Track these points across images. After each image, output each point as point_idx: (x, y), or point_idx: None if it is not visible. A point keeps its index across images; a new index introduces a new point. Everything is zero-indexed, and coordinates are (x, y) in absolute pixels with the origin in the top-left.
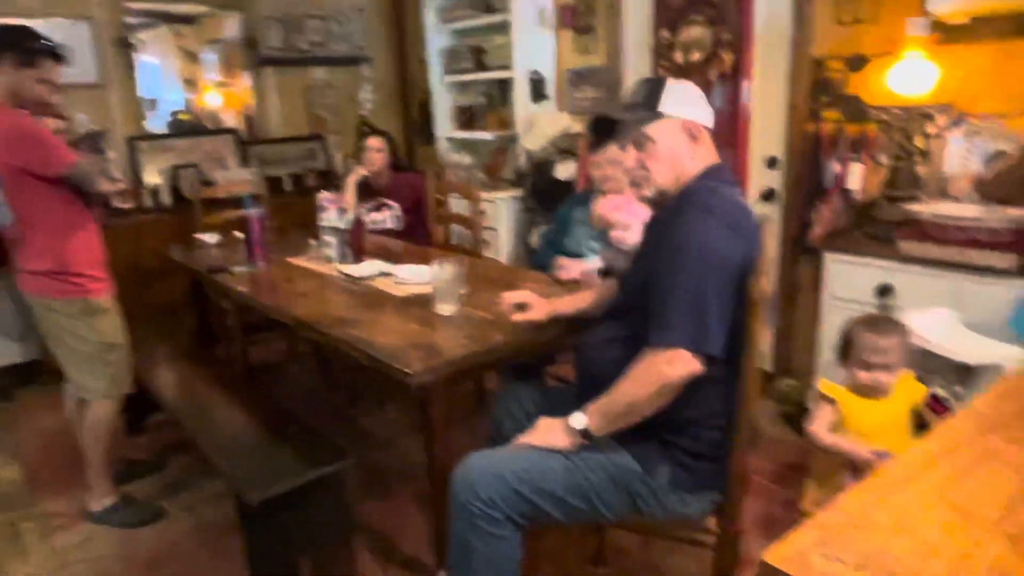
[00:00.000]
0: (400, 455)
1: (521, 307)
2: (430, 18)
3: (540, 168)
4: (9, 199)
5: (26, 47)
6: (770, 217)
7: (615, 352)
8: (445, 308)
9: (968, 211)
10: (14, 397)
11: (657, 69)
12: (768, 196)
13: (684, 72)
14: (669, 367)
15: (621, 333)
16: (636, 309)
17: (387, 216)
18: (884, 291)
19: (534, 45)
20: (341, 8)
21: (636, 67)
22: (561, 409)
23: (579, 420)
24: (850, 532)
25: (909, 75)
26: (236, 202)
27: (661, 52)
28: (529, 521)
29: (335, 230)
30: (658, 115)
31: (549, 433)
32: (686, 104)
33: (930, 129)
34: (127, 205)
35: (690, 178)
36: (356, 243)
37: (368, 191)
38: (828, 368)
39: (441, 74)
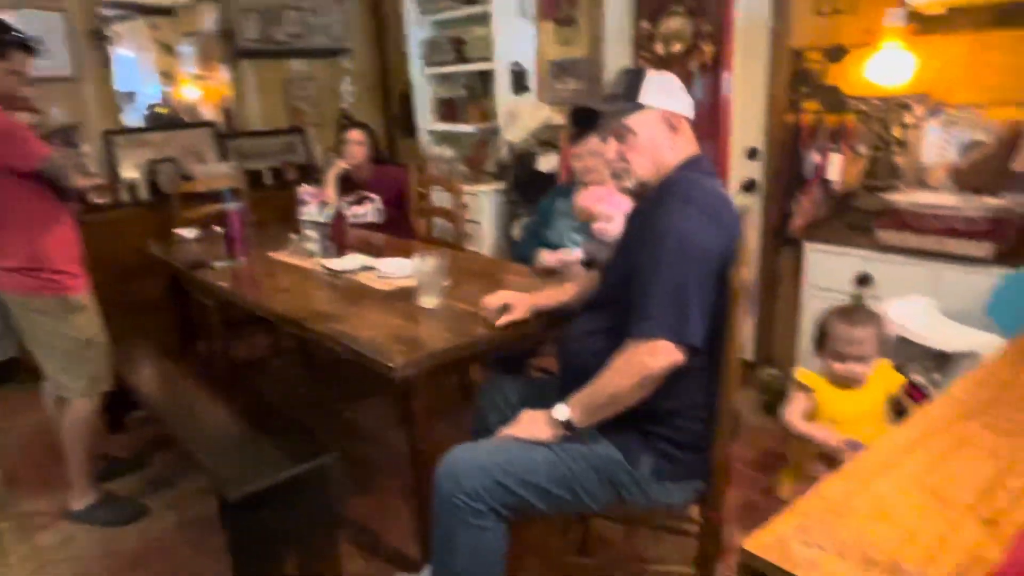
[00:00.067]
0: (385, 448)
1: (504, 307)
2: (410, 9)
3: (522, 160)
4: None
5: None
6: (750, 208)
7: (597, 343)
8: (428, 301)
9: (945, 200)
10: None
11: (638, 60)
12: (748, 187)
13: (665, 63)
14: (651, 358)
15: (603, 324)
16: (618, 301)
17: (368, 209)
18: (863, 280)
19: (515, 36)
20: None
21: (617, 58)
22: (546, 401)
23: (562, 412)
24: (829, 519)
25: (887, 66)
26: (215, 196)
27: (642, 43)
28: (513, 512)
29: (316, 224)
30: (638, 106)
31: (532, 425)
32: (666, 95)
33: (908, 119)
34: (103, 200)
35: (670, 169)
36: (338, 237)
37: (349, 184)
38: (808, 357)
39: (422, 66)
